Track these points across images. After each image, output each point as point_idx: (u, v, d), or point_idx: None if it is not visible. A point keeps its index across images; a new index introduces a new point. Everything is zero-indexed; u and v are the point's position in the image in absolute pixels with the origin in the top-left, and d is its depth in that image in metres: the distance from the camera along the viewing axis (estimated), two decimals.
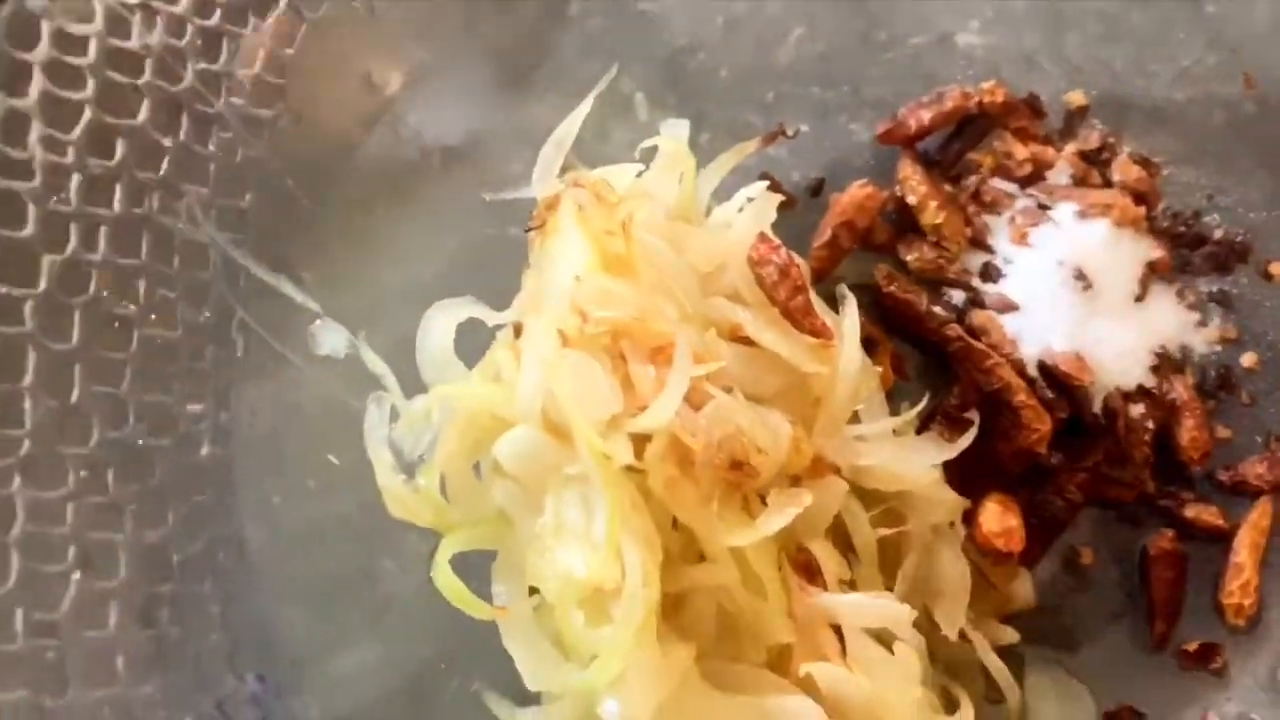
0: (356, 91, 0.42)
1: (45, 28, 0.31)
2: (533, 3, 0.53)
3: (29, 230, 0.30)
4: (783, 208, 0.49)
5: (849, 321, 0.45)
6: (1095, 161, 0.54)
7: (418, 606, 0.38)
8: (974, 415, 0.46)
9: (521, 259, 0.47)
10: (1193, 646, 0.48)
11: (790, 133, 0.54)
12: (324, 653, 0.37)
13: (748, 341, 0.45)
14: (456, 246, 0.46)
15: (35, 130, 0.31)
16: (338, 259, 0.40)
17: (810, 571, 0.43)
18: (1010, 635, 0.48)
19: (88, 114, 0.31)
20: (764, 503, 0.42)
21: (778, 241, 0.44)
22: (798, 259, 0.46)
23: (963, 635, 0.46)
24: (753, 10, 0.54)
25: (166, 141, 0.33)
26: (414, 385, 0.43)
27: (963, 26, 0.56)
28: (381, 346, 0.42)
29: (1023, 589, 0.49)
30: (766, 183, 0.49)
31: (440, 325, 0.44)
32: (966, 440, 0.45)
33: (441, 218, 0.45)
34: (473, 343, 0.45)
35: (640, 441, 0.40)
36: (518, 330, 0.44)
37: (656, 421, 0.39)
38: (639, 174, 0.49)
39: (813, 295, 0.46)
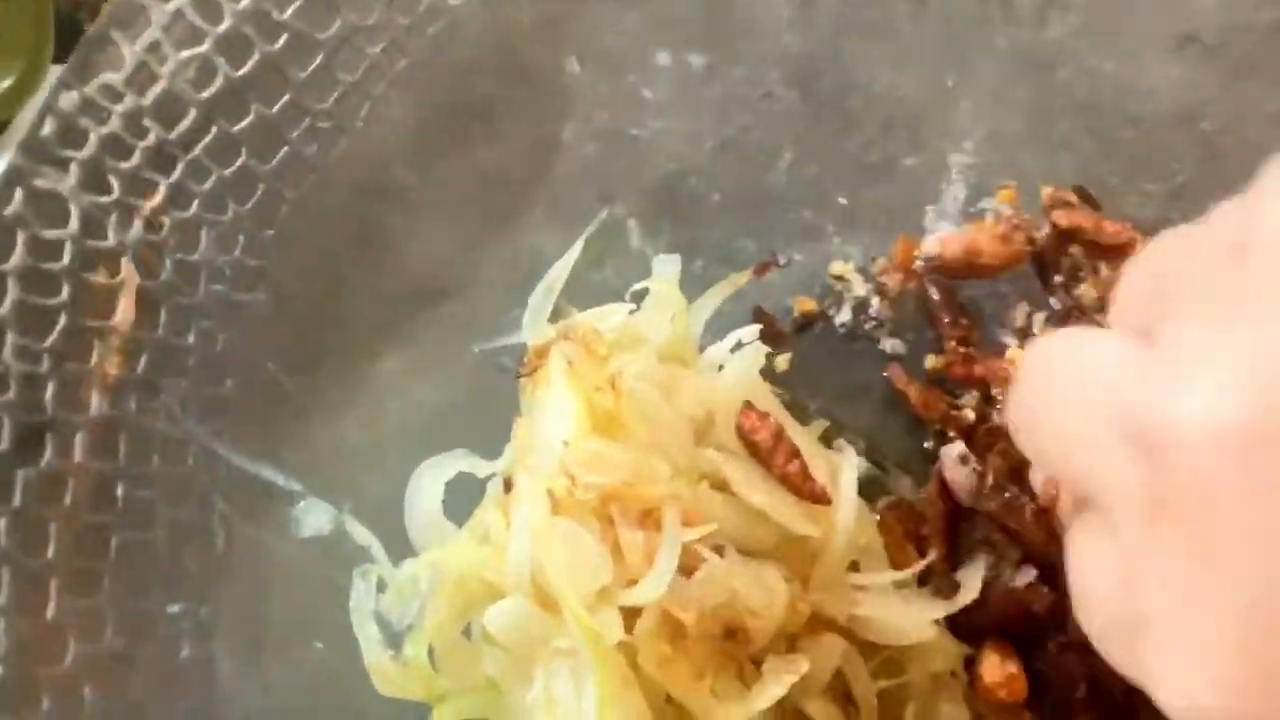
0: (343, 246, 0.42)
1: (20, 236, 0.30)
2: (524, 129, 0.52)
3: (3, 445, 0.29)
4: (775, 344, 0.49)
5: (847, 478, 0.44)
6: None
7: None
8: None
9: (513, 399, 0.47)
10: None
11: (782, 261, 0.53)
12: None
13: None
14: (445, 395, 0.45)
15: (10, 339, 0.30)
16: (320, 432, 0.39)
17: None
18: None
19: (63, 319, 0.31)
20: (758, 668, 0.41)
21: (766, 411, 0.44)
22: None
23: None
24: (742, 134, 0.54)
25: (143, 335, 0.33)
26: (403, 544, 0.42)
27: (956, 147, 0.55)
28: (369, 511, 0.41)
29: None
30: (759, 328, 0.48)
31: (429, 485, 0.43)
32: (967, 597, 0.44)
33: (429, 367, 0.44)
34: (464, 495, 0.45)
35: (631, 614, 0.39)
36: (507, 484, 0.44)
37: (648, 596, 0.38)
38: (630, 312, 0.49)
39: (805, 441, 0.45)
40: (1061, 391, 0.30)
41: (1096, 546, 0.29)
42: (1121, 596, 0.28)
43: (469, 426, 0.47)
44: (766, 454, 0.44)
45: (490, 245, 0.51)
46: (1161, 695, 0.26)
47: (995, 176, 0.54)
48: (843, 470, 0.44)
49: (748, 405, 0.45)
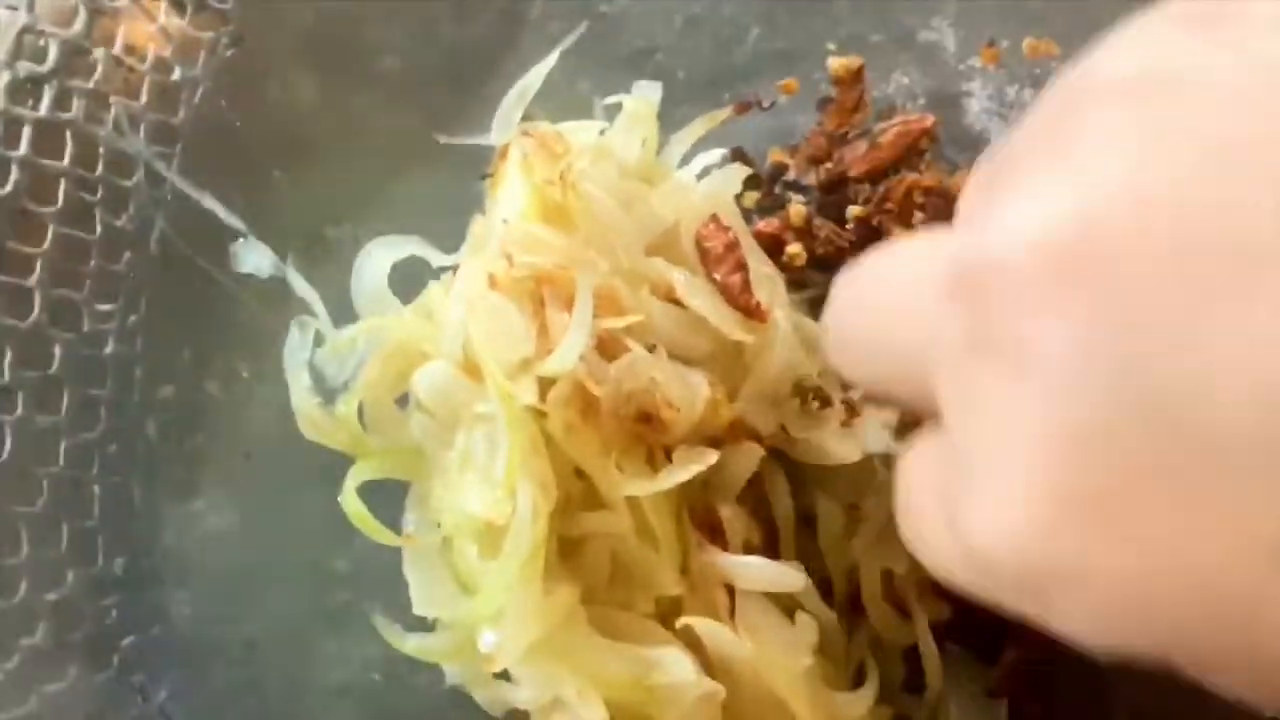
0: (315, 30, 0.43)
1: None
2: (490, 4, 0.52)
3: None
4: (748, 184, 0.50)
5: (781, 302, 0.45)
6: None
7: (322, 521, 0.39)
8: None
9: (480, 209, 0.48)
10: None
11: (765, 104, 0.54)
12: (209, 552, 0.38)
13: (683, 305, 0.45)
14: (411, 192, 0.47)
15: None
16: (274, 193, 0.41)
17: (714, 532, 0.43)
18: (945, 611, 0.47)
19: (23, 18, 0.33)
20: (670, 459, 0.42)
21: (728, 224, 0.44)
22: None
23: (901, 609, 0.46)
24: (710, 10, 0.54)
25: (98, 54, 0.35)
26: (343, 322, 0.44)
27: (925, 24, 0.55)
28: (316, 283, 0.43)
29: None
30: (726, 151, 0.49)
31: (379, 259, 0.45)
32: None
33: (394, 160, 0.46)
34: (419, 289, 0.46)
35: (549, 387, 0.41)
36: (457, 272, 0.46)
37: (559, 366, 0.40)
38: (601, 131, 0.50)
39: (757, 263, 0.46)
40: (875, 290, 0.30)
41: (920, 452, 0.29)
42: (943, 475, 0.26)
43: (432, 225, 0.48)
44: (714, 261, 0.45)
45: (451, 123, 0.51)
46: (977, 543, 0.24)
47: (967, 54, 0.54)
48: (776, 299, 0.45)
49: (713, 217, 0.46)
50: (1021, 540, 0.23)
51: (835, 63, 0.53)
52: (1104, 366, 0.22)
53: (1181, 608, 0.22)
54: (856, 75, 0.52)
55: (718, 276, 0.44)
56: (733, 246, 0.45)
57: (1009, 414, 0.23)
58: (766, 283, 0.46)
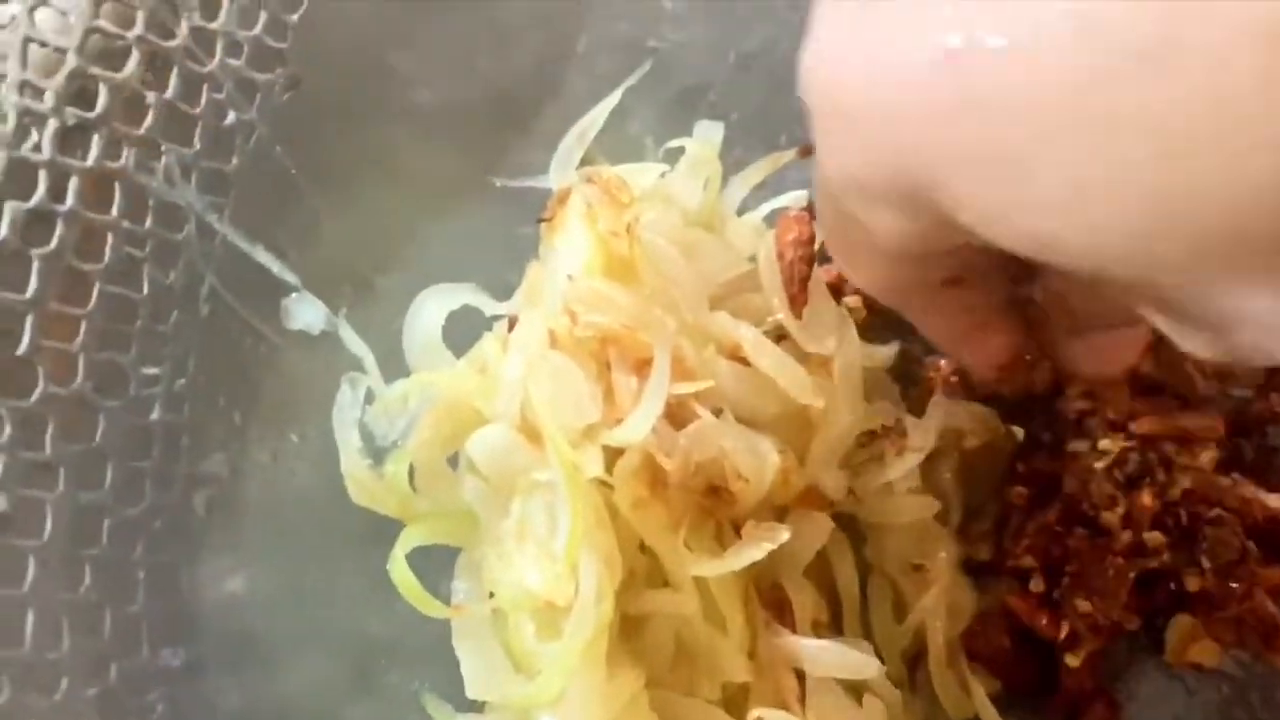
0: (363, 70, 0.41)
1: None
2: (537, 38, 0.50)
3: None
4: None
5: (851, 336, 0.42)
6: None
7: (366, 596, 0.37)
8: None
9: (532, 254, 0.46)
10: None
11: None
12: (255, 634, 0.36)
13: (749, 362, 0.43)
14: (461, 235, 0.45)
15: (13, 73, 0.30)
16: (326, 234, 0.38)
17: (781, 611, 0.41)
18: (994, 684, 0.45)
19: (71, 61, 0.31)
20: (739, 535, 0.40)
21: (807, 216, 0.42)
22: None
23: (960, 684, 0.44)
24: (765, 47, 0.51)
25: (150, 97, 0.32)
26: (397, 369, 0.42)
27: None
28: (366, 334, 0.41)
29: None
30: (805, 194, 0.47)
31: (432, 310, 0.43)
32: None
33: (441, 201, 0.43)
34: (471, 337, 0.44)
35: (614, 456, 0.38)
36: (512, 324, 0.43)
37: (630, 437, 0.38)
38: (662, 174, 0.48)
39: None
40: None
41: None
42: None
43: (481, 277, 0.46)
44: (786, 244, 0.42)
45: (496, 163, 0.48)
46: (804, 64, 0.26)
47: None
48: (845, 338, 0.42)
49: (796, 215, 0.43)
50: (816, 51, 0.27)
51: None
52: None
53: (928, 103, 0.24)
54: None
55: (785, 260, 0.41)
56: (809, 237, 0.42)
57: None
58: (837, 320, 0.43)
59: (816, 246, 0.43)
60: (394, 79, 0.43)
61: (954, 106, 0.24)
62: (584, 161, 0.48)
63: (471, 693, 0.37)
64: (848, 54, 0.26)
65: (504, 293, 0.45)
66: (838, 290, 0.49)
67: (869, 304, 0.48)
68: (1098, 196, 0.22)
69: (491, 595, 0.40)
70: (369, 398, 0.40)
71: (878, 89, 0.25)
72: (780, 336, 0.42)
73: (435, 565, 0.41)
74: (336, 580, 0.39)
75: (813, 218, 0.45)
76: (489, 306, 0.44)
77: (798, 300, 0.40)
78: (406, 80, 0.44)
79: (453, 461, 0.42)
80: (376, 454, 0.40)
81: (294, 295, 0.37)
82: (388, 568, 0.39)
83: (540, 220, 0.46)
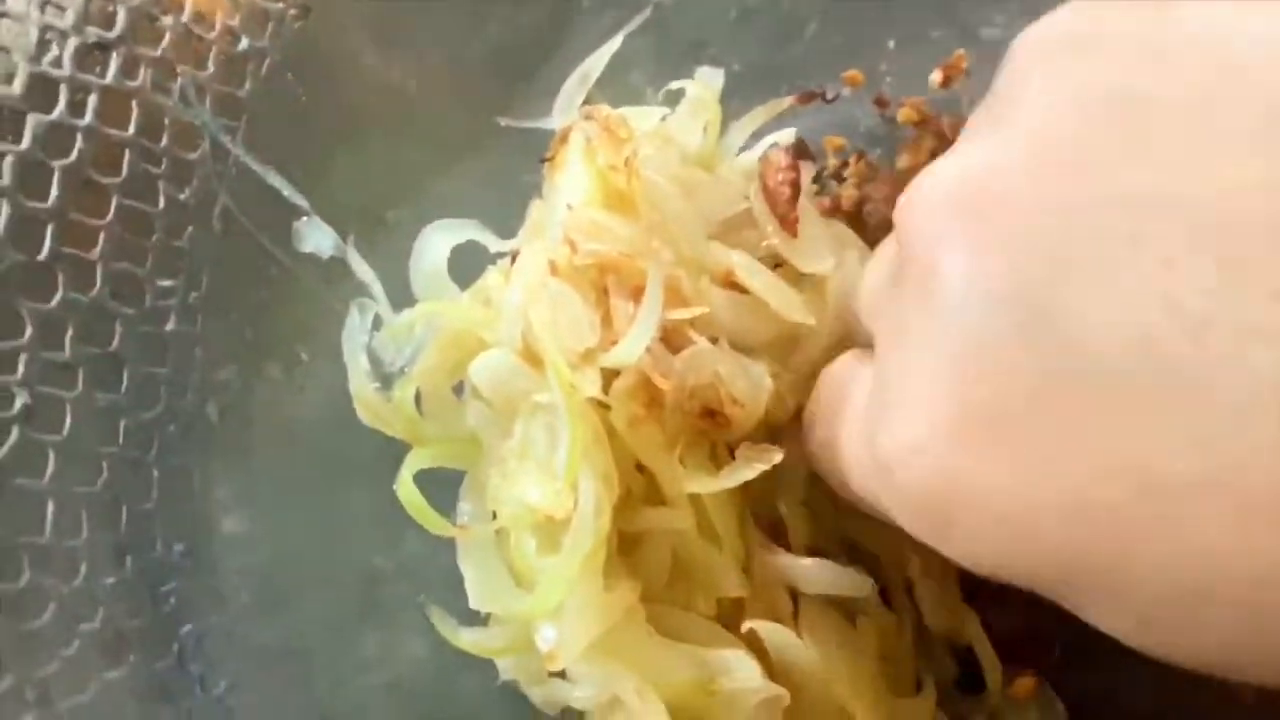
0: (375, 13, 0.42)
1: None
2: None
3: (17, 90, 0.31)
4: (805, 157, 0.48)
5: (850, 264, 0.43)
6: None
7: (373, 512, 0.38)
8: None
9: (537, 193, 0.47)
10: None
11: (830, 96, 0.52)
12: (264, 540, 0.37)
13: (743, 289, 0.44)
14: (468, 178, 0.46)
15: None
16: (337, 171, 0.40)
17: (776, 532, 0.42)
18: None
19: None
20: (734, 456, 0.41)
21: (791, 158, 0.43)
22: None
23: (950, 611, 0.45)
24: (766, 3, 0.52)
25: (167, 20, 0.34)
26: (401, 306, 0.43)
27: (987, 20, 0.53)
28: (373, 264, 0.42)
29: None
30: (794, 130, 0.48)
31: (437, 243, 0.44)
32: None
33: (448, 145, 0.45)
34: (475, 273, 0.45)
35: (612, 379, 0.40)
36: (515, 258, 0.44)
37: (625, 358, 0.39)
38: (663, 118, 0.49)
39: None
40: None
41: (846, 364, 0.34)
42: (872, 397, 0.29)
43: (487, 215, 0.47)
44: (773, 171, 0.43)
45: (502, 112, 0.50)
46: (884, 455, 0.26)
47: None
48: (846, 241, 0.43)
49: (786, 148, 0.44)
50: (924, 456, 0.25)
51: (903, 113, 0.51)
52: (996, 290, 0.24)
53: (1057, 530, 0.23)
54: (927, 118, 0.51)
55: (770, 184, 0.42)
56: (792, 166, 0.43)
57: (922, 336, 0.26)
58: (834, 239, 0.44)
59: (807, 182, 0.44)
60: (406, 23, 0.45)
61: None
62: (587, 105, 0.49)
63: (474, 604, 0.39)
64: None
65: (509, 236, 0.47)
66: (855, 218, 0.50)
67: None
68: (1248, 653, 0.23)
69: (495, 516, 0.41)
70: (376, 324, 0.41)
71: (1038, 502, 0.24)
72: (777, 264, 0.43)
73: (441, 490, 0.42)
74: (343, 503, 0.40)
75: (799, 155, 0.46)
76: (493, 244, 0.46)
77: (788, 220, 0.41)
78: (419, 25, 0.45)
79: (458, 391, 0.43)
80: (384, 379, 0.41)
81: (304, 219, 0.39)
82: (395, 488, 0.40)
83: (543, 160, 0.47)
